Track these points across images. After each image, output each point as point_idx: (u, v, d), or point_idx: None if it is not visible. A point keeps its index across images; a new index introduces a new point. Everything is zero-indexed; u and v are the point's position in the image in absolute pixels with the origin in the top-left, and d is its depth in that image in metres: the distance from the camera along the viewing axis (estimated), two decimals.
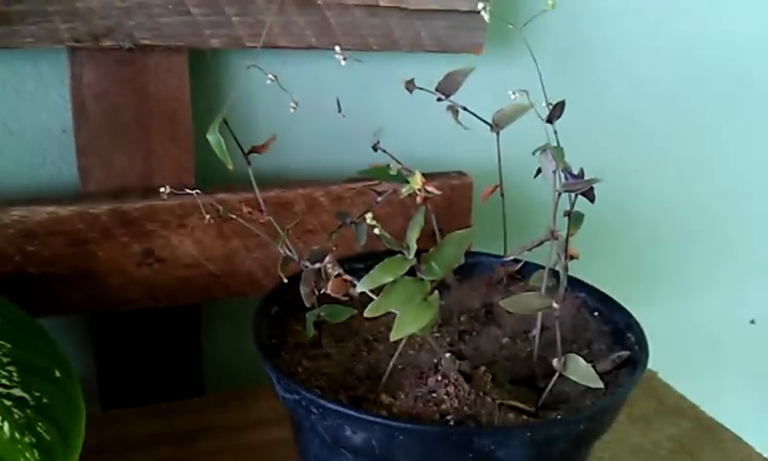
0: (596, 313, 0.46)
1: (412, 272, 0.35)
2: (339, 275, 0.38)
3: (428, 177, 0.62)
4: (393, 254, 0.45)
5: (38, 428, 0.33)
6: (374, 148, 0.44)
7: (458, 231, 0.36)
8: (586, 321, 0.46)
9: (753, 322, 0.91)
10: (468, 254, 0.53)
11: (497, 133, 0.46)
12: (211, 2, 0.51)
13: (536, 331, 0.42)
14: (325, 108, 0.61)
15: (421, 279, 0.34)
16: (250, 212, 0.46)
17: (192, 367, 0.60)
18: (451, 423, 0.35)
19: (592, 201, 0.38)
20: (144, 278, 0.54)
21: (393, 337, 0.33)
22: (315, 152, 0.63)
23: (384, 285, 0.34)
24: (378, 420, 0.34)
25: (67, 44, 0.50)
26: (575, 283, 0.48)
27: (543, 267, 0.43)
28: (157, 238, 0.54)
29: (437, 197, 0.62)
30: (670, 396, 0.64)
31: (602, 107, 0.74)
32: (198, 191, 0.43)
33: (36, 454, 0.32)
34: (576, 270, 0.46)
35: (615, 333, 0.44)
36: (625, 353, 0.42)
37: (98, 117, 0.53)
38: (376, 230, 0.35)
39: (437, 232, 0.49)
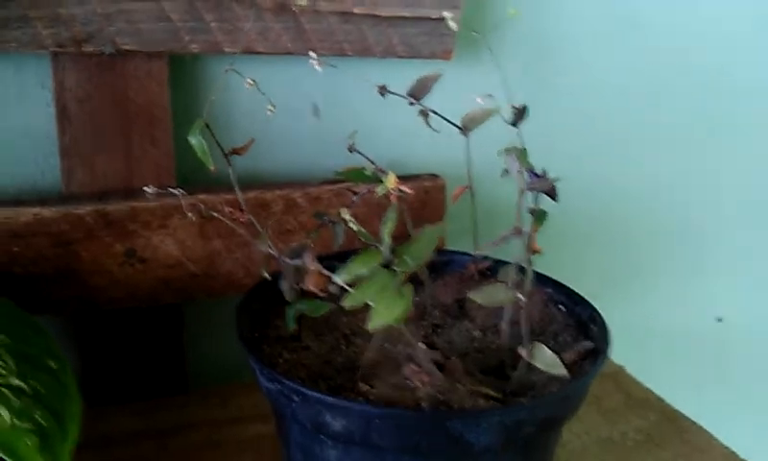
0: (562, 307, 0.49)
1: (386, 267, 0.36)
2: (317, 270, 0.40)
3: (402, 179, 0.64)
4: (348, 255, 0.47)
5: (36, 416, 0.35)
6: (350, 149, 0.46)
7: (429, 226, 0.38)
8: (552, 314, 0.48)
9: (720, 320, 0.93)
10: (441, 252, 0.55)
11: (466, 136, 0.48)
12: (190, 9, 0.53)
13: (504, 323, 0.44)
14: (302, 111, 0.63)
15: (395, 271, 0.36)
16: (231, 212, 0.48)
17: (175, 365, 0.62)
18: (425, 408, 0.37)
19: (555, 199, 0.40)
20: (126, 277, 0.56)
21: (369, 327, 0.35)
22: (293, 153, 0.64)
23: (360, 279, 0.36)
24: (356, 406, 0.36)
25: (50, 49, 0.51)
26: (542, 279, 0.50)
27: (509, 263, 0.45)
28: (139, 238, 0.55)
29: (411, 198, 0.64)
30: (638, 390, 0.66)
31: (570, 105, 0.76)
32: (181, 191, 0.44)
33: (36, 439, 0.33)
34: (545, 269, 0.48)
35: (580, 325, 0.47)
36: (589, 344, 0.44)
37: (80, 120, 0.54)
38: (353, 226, 0.37)
39: (411, 232, 0.51)
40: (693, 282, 0.91)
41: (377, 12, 0.58)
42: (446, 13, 0.44)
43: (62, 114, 0.54)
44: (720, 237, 0.90)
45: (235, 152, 0.45)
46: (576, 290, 0.50)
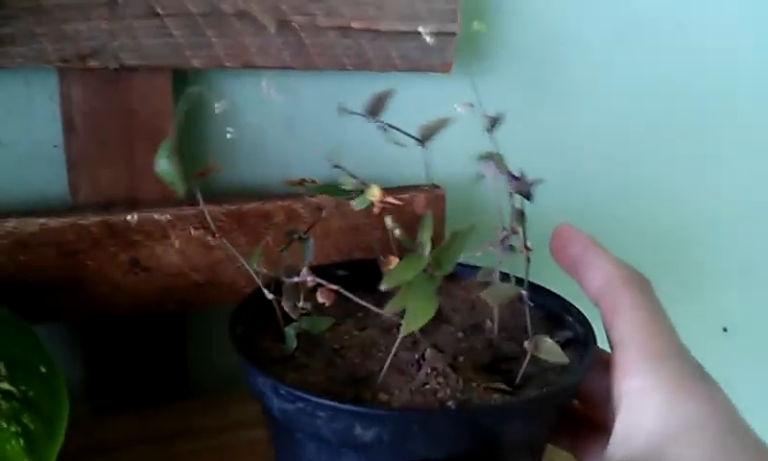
0: (531, 302, 0.49)
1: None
2: (322, 285, 0.41)
3: (402, 189, 0.65)
4: (340, 267, 0.49)
5: (24, 419, 0.36)
6: (335, 166, 0.47)
7: (460, 229, 0.39)
8: (520, 309, 0.48)
9: (725, 330, 0.93)
10: None
11: (424, 147, 0.48)
12: (192, 25, 0.54)
13: (495, 322, 0.45)
14: (303, 123, 0.64)
15: (432, 276, 0.37)
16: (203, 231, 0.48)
17: (178, 371, 0.63)
18: (453, 408, 0.38)
19: (530, 200, 0.41)
20: (130, 286, 0.57)
21: (405, 331, 0.36)
22: (294, 164, 0.66)
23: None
24: (394, 413, 0.37)
25: (55, 64, 0.53)
26: (504, 276, 0.50)
27: (475, 267, 0.47)
28: (143, 248, 0.57)
29: (413, 209, 0.65)
30: None
31: (573, 118, 0.77)
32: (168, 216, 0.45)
33: (22, 442, 0.35)
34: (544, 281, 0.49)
35: (553, 318, 0.48)
36: (568, 333, 0.45)
37: (86, 133, 0.56)
38: (397, 232, 0.38)
39: (406, 244, 0.51)
40: (698, 292, 0.91)
41: (376, 27, 0.59)
42: (422, 29, 0.44)
43: (69, 127, 0.55)
44: (723, 245, 0.90)
45: (200, 174, 0.44)
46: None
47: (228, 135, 0.43)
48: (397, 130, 0.46)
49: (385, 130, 0.46)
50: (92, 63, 0.53)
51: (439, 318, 0.48)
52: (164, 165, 0.39)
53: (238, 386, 0.64)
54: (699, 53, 0.80)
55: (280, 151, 0.65)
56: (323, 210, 0.49)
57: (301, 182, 0.46)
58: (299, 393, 0.37)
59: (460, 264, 0.52)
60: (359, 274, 0.48)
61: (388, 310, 0.36)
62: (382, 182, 0.45)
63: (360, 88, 0.64)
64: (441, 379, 0.40)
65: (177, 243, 0.57)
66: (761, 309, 0.95)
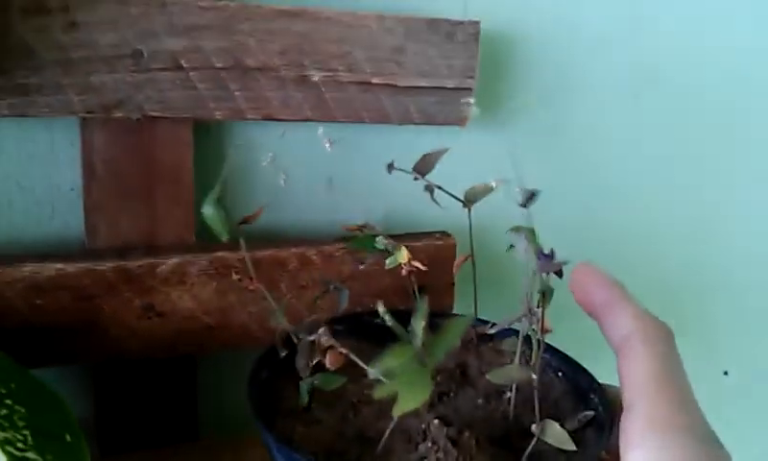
0: (560, 373, 0.50)
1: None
2: (333, 347, 0.41)
3: (414, 237, 0.66)
4: (372, 317, 0.48)
5: None
6: (361, 229, 0.47)
7: (457, 319, 0.39)
8: (551, 380, 0.49)
9: (726, 373, 0.94)
10: (442, 315, 0.56)
11: (469, 210, 0.49)
12: (216, 78, 0.55)
13: (511, 395, 0.45)
14: (320, 172, 0.65)
15: (424, 363, 0.37)
16: (240, 279, 0.50)
17: (187, 414, 0.63)
18: None
19: (560, 277, 0.41)
20: (144, 330, 0.58)
21: (395, 414, 0.36)
22: (309, 211, 0.66)
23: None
24: None
25: (80, 115, 0.53)
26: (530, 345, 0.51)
27: (513, 331, 0.47)
28: (158, 294, 0.57)
29: (421, 257, 0.66)
30: None
31: (582, 161, 0.78)
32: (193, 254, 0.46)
33: None
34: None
35: (579, 393, 0.48)
36: (590, 414, 0.45)
37: (106, 180, 0.56)
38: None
39: (416, 293, 0.52)
40: (698, 337, 0.92)
41: (395, 83, 0.60)
42: (465, 100, 0.45)
43: (89, 174, 0.56)
44: (723, 289, 0.91)
45: (245, 221, 0.46)
46: (578, 351, 0.51)
47: (282, 183, 0.44)
48: (445, 191, 0.47)
49: (432, 190, 0.47)
50: (116, 114, 0.54)
51: (465, 381, 0.49)
52: (210, 211, 0.40)
53: (249, 428, 0.65)
54: (713, 102, 0.81)
55: (290, 196, 0.65)
56: (362, 264, 0.50)
57: (360, 229, 0.47)
58: (288, 452, 0.38)
59: (494, 323, 0.52)
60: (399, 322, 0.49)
61: (377, 395, 0.37)
62: (394, 225, 0.46)
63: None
64: (440, 455, 0.40)
65: (193, 288, 0.58)
66: (761, 353, 0.96)
